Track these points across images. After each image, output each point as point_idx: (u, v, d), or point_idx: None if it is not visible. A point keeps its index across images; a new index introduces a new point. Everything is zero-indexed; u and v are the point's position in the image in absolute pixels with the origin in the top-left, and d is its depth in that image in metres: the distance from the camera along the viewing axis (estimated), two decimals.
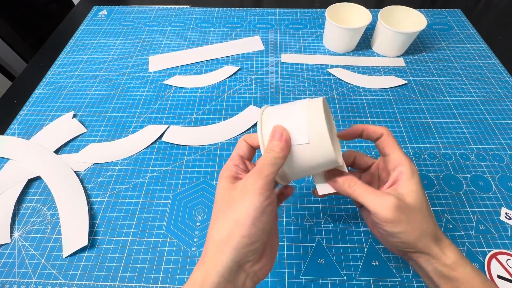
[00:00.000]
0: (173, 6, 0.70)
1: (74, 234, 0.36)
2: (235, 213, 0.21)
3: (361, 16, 0.56)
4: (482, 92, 0.51)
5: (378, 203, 0.23)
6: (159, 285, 0.33)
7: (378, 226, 0.24)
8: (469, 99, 0.50)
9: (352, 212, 0.38)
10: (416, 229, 0.22)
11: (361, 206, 0.28)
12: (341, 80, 0.53)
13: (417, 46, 0.59)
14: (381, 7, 0.56)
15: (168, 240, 0.36)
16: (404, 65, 0.56)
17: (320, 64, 0.56)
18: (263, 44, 0.60)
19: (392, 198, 0.22)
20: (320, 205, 0.38)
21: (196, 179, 0.41)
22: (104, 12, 0.68)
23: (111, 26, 0.65)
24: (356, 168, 0.30)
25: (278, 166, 0.22)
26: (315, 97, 0.25)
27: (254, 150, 0.26)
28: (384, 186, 0.26)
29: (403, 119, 0.47)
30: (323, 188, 0.27)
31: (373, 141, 0.27)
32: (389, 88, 0.52)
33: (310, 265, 0.34)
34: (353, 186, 0.25)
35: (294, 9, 0.69)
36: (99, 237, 0.36)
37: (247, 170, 0.25)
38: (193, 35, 0.63)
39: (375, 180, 0.29)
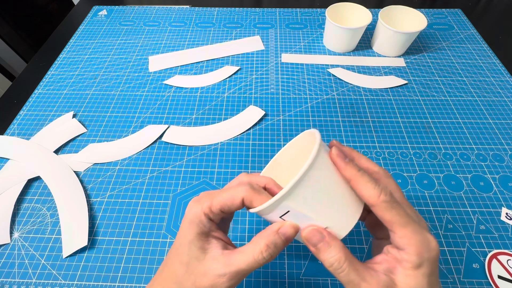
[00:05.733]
0: (173, 6, 0.70)
1: (74, 234, 0.36)
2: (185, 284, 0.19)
3: (361, 16, 0.56)
4: (482, 92, 0.51)
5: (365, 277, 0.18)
6: None
7: None
8: (469, 99, 0.50)
9: None
10: None
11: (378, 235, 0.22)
12: (341, 80, 0.53)
13: (417, 46, 0.59)
14: (382, 7, 0.56)
15: (168, 240, 0.36)
16: (404, 65, 0.56)
17: (320, 64, 0.56)
18: (263, 44, 0.60)
19: (384, 278, 0.17)
20: None
21: (196, 179, 0.41)
22: (104, 12, 0.68)
23: (111, 26, 0.65)
24: None
25: (257, 267, 0.19)
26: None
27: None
28: (374, 258, 0.20)
29: (403, 119, 0.47)
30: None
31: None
32: (389, 88, 0.52)
33: (311, 265, 0.34)
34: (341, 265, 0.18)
35: (294, 9, 0.69)
36: (99, 237, 0.36)
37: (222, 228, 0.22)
38: (193, 35, 0.63)
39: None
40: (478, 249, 0.35)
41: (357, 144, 0.44)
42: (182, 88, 0.52)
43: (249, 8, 0.69)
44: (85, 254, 0.35)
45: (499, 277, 0.33)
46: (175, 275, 0.20)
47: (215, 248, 0.20)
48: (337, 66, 0.56)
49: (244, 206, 0.20)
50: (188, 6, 0.70)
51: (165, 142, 0.45)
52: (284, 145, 0.27)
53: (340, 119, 0.47)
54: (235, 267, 0.18)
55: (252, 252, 0.19)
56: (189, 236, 0.20)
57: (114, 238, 0.36)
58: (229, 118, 0.48)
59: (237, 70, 0.55)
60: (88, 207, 0.38)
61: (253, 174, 0.23)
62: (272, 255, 0.19)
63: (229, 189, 0.20)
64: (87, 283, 0.33)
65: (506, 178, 0.40)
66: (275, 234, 0.19)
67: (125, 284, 0.33)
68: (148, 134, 0.45)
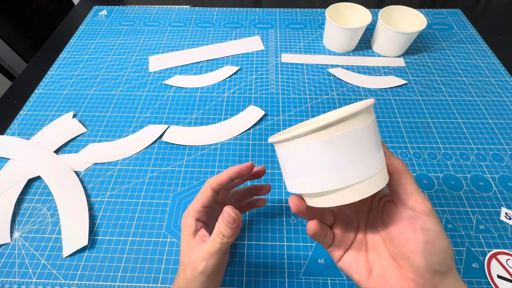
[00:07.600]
0: (173, 6, 0.70)
1: (74, 234, 0.36)
2: (184, 277, 0.25)
3: (361, 16, 0.56)
4: (482, 92, 0.51)
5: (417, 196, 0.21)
6: (159, 285, 0.33)
7: (414, 231, 0.21)
8: (469, 99, 0.50)
9: None
10: (447, 242, 0.21)
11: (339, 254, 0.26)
12: (341, 80, 0.53)
13: (417, 46, 0.59)
14: (381, 7, 0.56)
15: (168, 240, 0.36)
16: (404, 65, 0.56)
17: (320, 64, 0.56)
18: (263, 44, 0.60)
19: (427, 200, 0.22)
20: None
21: (196, 179, 0.41)
22: (104, 12, 0.68)
23: (111, 26, 0.65)
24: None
25: (225, 249, 0.24)
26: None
27: (226, 191, 0.28)
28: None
29: (403, 119, 0.47)
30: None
31: None
32: (389, 88, 0.52)
33: (310, 265, 0.34)
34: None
35: (294, 9, 0.69)
36: (99, 237, 0.36)
37: (207, 222, 0.28)
38: (193, 35, 0.63)
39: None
40: (478, 249, 0.35)
41: None
42: (182, 88, 0.52)
43: (249, 8, 0.69)
44: (85, 254, 0.35)
45: (499, 276, 0.33)
46: (178, 271, 0.26)
47: (197, 242, 0.25)
48: (337, 66, 0.56)
49: (215, 190, 0.27)
50: (188, 6, 0.70)
51: (165, 142, 0.45)
52: None
53: None
54: (205, 251, 0.24)
55: (213, 237, 0.24)
56: (184, 238, 0.26)
57: (114, 238, 0.36)
58: (229, 118, 0.48)
59: (237, 70, 0.55)
60: (88, 207, 0.38)
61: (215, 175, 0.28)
62: (228, 236, 0.24)
63: (199, 192, 0.27)
64: (87, 283, 0.33)
65: (506, 178, 0.40)
66: (222, 220, 0.24)
67: (125, 284, 0.33)
68: (148, 134, 0.46)
